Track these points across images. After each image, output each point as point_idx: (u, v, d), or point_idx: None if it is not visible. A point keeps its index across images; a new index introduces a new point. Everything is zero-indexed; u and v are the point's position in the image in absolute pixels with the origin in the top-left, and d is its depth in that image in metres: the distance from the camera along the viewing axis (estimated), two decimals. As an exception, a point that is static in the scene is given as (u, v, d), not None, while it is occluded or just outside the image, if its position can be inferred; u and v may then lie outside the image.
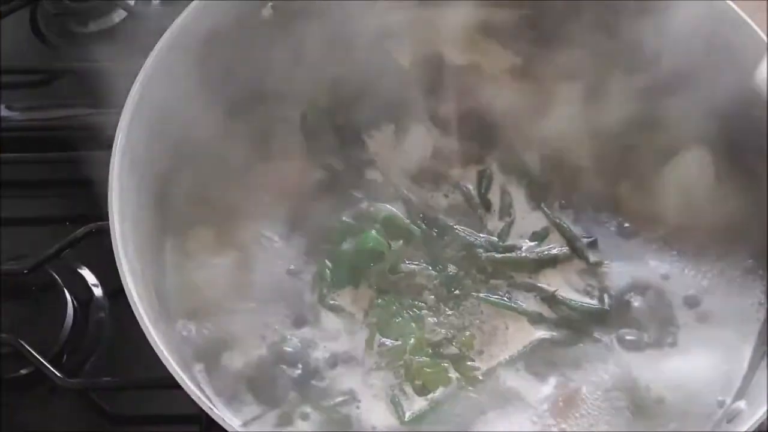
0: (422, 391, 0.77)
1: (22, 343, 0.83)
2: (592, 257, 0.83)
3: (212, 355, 0.78)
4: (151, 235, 0.79)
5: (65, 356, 0.86)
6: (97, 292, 0.89)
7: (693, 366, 0.78)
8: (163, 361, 0.65)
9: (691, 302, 0.81)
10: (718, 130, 0.83)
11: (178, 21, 0.80)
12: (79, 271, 0.90)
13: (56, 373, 0.82)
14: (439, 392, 0.77)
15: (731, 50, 0.81)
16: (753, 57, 0.80)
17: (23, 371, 0.84)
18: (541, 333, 0.80)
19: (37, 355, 0.82)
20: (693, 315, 0.81)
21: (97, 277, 0.90)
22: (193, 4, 0.81)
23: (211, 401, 0.68)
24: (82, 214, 0.87)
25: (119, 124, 0.76)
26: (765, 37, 0.79)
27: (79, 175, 0.90)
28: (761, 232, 0.81)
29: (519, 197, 0.87)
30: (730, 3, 0.81)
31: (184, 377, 0.65)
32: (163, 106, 0.80)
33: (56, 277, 0.87)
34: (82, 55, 1.02)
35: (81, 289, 0.89)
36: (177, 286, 0.80)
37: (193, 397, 0.64)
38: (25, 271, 0.86)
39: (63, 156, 0.96)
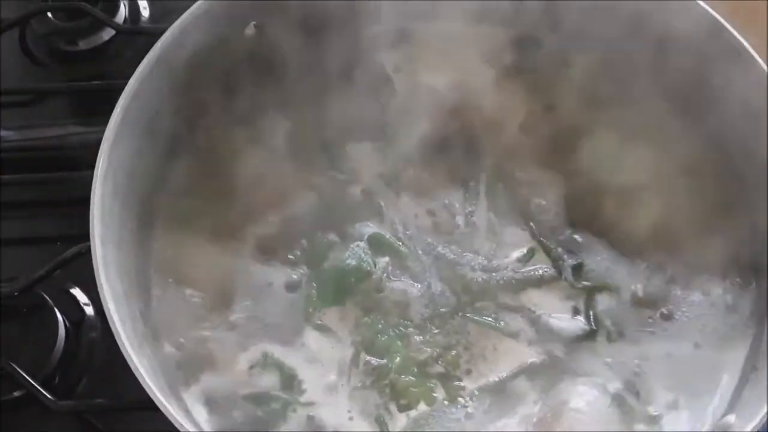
0: (405, 407, 0.76)
1: (14, 365, 0.82)
2: (578, 278, 0.82)
3: (199, 376, 0.77)
4: (135, 256, 0.78)
5: (57, 378, 0.85)
6: (89, 311, 0.89)
7: (682, 380, 0.77)
8: (143, 385, 0.65)
9: (680, 317, 0.80)
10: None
11: (161, 42, 0.79)
12: (71, 291, 0.90)
13: (48, 395, 0.81)
14: (423, 409, 0.76)
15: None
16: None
17: (16, 393, 0.83)
18: (528, 355, 0.79)
19: (29, 378, 0.81)
20: (681, 330, 0.80)
21: (89, 296, 0.90)
22: (175, 25, 0.81)
23: (196, 425, 0.67)
24: (74, 233, 0.86)
25: (102, 145, 0.75)
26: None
27: (70, 195, 0.91)
28: (750, 245, 0.81)
29: (505, 217, 0.86)
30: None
31: (163, 400, 0.65)
32: (147, 127, 0.80)
33: (47, 298, 0.87)
34: (73, 73, 1.03)
35: (72, 309, 0.89)
36: (161, 308, 0.79)
37: (172, 421, 0.64)
38: (16, 293, 0.86)
39: (54, 176, 0.96)
